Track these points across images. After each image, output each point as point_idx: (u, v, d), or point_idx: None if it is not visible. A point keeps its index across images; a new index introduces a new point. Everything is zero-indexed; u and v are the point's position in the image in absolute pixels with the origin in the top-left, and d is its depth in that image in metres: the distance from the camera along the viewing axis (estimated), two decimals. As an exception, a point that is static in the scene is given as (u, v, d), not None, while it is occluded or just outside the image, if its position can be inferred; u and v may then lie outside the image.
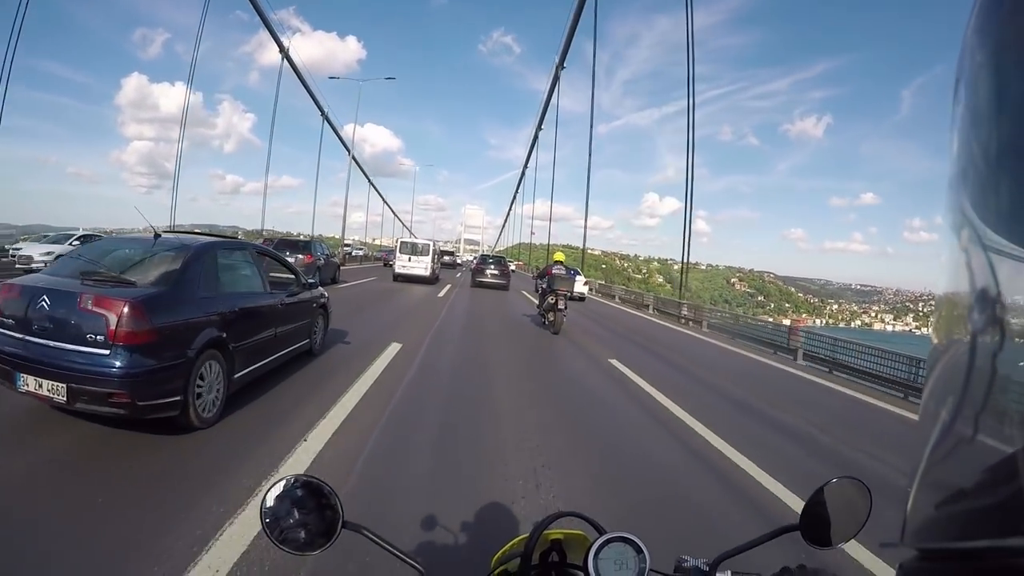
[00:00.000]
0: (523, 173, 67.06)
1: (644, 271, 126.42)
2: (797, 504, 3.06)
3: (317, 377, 4.96)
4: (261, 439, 3.39)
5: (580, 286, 18.40)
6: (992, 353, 0.29)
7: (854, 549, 2.54)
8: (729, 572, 0.76)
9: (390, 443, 3.56)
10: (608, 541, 0.67)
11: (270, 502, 0.68)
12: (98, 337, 3.00)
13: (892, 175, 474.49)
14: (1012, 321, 0.29)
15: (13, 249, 13.87)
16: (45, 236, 15.84)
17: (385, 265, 28.08)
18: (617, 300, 22.98)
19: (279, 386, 4.52)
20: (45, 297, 3.11)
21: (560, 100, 40.15)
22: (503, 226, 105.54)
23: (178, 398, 3.22)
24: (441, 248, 33.89)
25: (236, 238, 4.63)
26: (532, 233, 58.48)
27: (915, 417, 0.47)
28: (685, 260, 19.36)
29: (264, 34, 30.86)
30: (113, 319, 3.00)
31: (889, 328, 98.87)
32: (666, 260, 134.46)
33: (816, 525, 0.75)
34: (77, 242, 13.26)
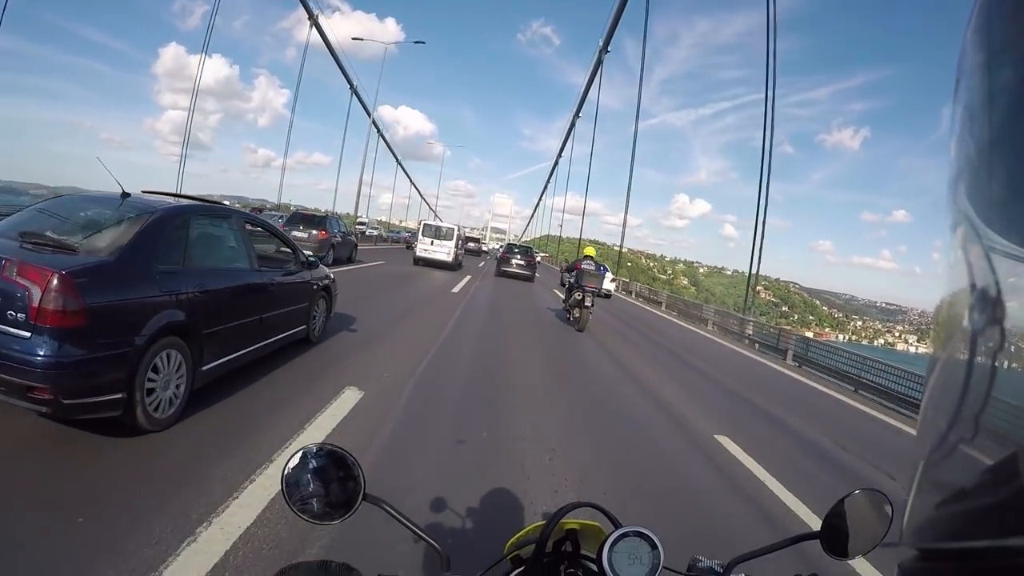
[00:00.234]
0: (555, 164, 65.57)
1: (670, 272, 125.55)
2: None
3: (309, 371, 4.31)
4: (219, 456, 2.72)
5: (607, 283, 17.84)
6: (992, 353, 0.29)
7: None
8: (743, 575, 0.77)
9: (386, 477, 2.88)
10: (623, 535, 0.65)
11: (291, 469, 0.68)
12: (18, 315, 2.37)
13: (926, 192, 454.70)
14: (1012, 320, 0.29)
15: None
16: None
17: (408, 248, 27.53)
18: (664, 308, 19.85)
19: (262, 380, 3.87)
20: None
21: (597, 94, 38.40)
22: (531, 216, 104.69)
23: (119, 395, 2.59)
24: (467, 234, 33.19)
25: (222, 203, 3.97)
26: (560, 226, 57.48)
27: None
28: (754, 269, 15.72)
29: (303, 11, 30.18)
30: (37, 293, 2.36)
31: (912, 349, 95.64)
32: (692, 262, 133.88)
33: (835, 536, 0.73)
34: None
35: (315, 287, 4.92)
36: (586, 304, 9.14)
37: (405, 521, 0.70)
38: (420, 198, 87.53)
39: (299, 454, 0.68)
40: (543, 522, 0.73)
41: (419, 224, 21.58)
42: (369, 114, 35.18)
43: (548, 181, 73.28)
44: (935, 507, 0.34)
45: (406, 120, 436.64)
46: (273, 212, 26.04)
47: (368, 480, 0.70)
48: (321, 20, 30.56)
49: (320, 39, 31.70)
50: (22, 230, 2.80)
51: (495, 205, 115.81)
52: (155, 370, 2.79)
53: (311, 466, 0.68)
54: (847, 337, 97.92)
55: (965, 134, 0.33)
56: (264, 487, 2.46)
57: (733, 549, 0.82)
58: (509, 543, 0.79)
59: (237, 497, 2.35)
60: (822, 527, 0.75)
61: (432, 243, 18.36)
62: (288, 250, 4.61)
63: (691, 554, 0.84)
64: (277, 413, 3.34)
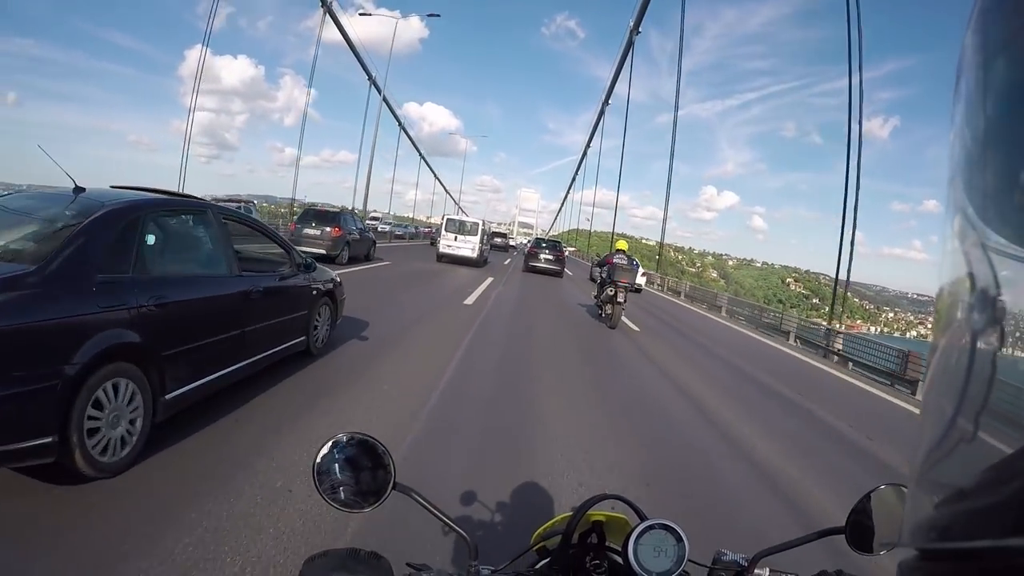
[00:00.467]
0: (582, 158, 64.20)
1: (698, 264, 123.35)
2: None
3: (305, 394, 3.75)
4: (168, 522, 2.18)
5: (639, 277, 17.44)
6: (992, 352, 0.29)
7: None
8: (768, 570, 0.76)
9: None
10: (649, 527, 0.66)
11: (322, 457, 0.67)
12: (-90, 343, 1.87)
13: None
14: (1012, 320, 0.28)
15: None
16: None
17: (431, 244, 27.08)
18: (724, 313, 16.60)
19: (249, 404, 3.34)
20: None
21: (621, 87, 36.90)
22: (558, 211, 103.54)
23: (49, 439, 2.06)
24: (493, 229, 32.43)
25: (195, 197, 3.40)
26: (588, 220, 56.42)
27: None
28: (844, 271, 14.63)
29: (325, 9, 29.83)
30: (-72, 316, 1.85)
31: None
32: (720, 255, 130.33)
33: (860, 531, 0.72)
34: None
35: (315, 292, 4.37)
36: (619, 300, 8.82)
37: (434, 510, 0.70)
38: (445, 193, 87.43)
39: (329, 443, 0.68)
40: (569, 513, 0.75)
41: (442, 219, 21.06)
42: (380, 90, 33.74)
43: (576, 173, 72.05)
44: (935, 507, 0.31)
45: (431, 116, 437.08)
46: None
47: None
48: (341, 17, 30.19)
49: (339, 35, 31.36)
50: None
51: (522, 200, 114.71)
52: (97, 405, 2.26)
53: (342, 455, 0.68)
54: (879, 329, 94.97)
55: (965, 133, 0.32)
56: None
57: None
58: (536, 534, 0.83)
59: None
60: (847, 522, 0.73)
61: (456, 239, 17.75)
62: (282, 251, 4.05)
63: (717, 547, 0.82)
64: (263, 448, 2.79)
